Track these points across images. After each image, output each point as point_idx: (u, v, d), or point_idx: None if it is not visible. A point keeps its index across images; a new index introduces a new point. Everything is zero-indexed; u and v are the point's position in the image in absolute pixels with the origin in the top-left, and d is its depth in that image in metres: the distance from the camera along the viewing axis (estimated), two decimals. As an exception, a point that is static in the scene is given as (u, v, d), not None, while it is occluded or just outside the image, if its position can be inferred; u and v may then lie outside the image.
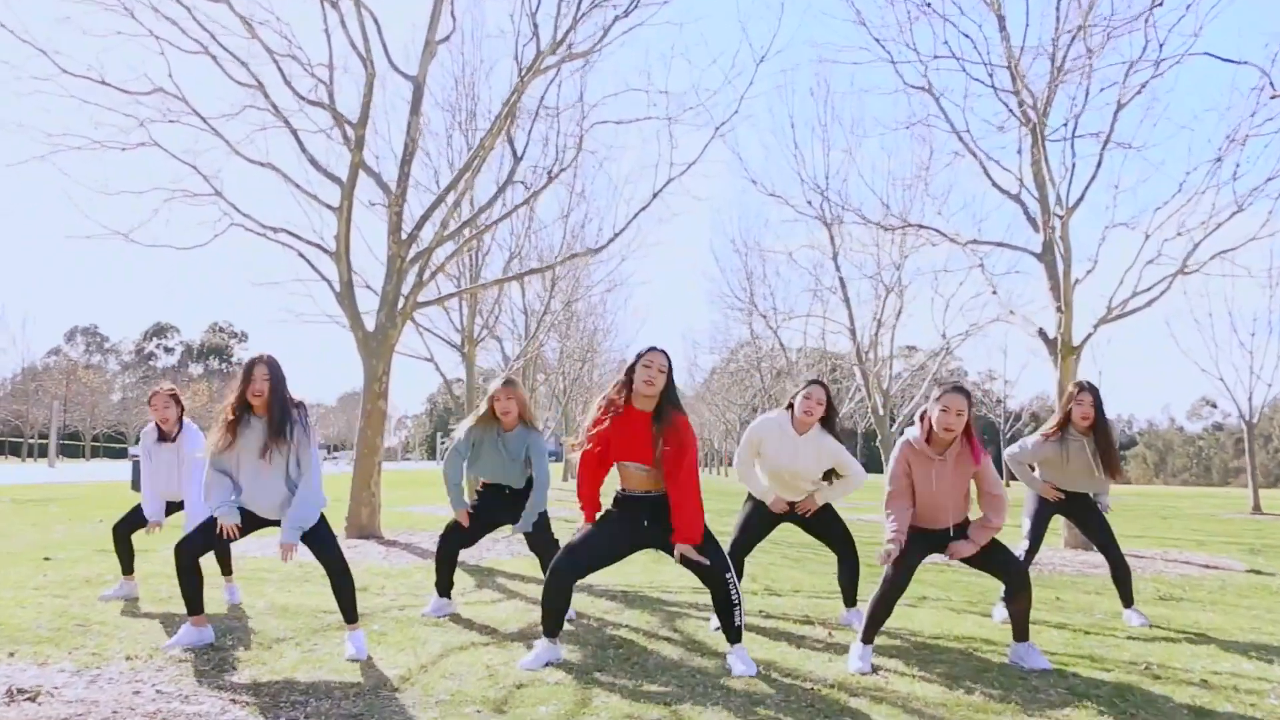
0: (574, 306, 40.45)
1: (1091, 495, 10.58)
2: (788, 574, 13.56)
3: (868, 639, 7.83)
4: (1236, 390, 39.53)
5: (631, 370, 7.47)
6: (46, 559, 13.41)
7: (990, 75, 18.71)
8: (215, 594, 10.21)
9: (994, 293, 20.29)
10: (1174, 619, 10.39)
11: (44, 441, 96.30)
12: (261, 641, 8.14)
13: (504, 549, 15.88)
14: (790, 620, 9.82)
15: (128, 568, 10.46)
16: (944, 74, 19.91)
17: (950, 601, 11.30)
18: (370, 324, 17.70)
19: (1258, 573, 15.28)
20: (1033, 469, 10.64)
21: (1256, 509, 38.88)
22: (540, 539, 9.78)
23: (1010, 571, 7.82)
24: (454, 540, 9.86)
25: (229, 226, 17.98)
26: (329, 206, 17.94)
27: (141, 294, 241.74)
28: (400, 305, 17.67)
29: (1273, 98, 9.12)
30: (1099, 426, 10.25)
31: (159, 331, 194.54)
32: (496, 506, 9.90)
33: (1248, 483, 40.91)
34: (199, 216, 18.11)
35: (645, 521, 7.56)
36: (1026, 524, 10.58)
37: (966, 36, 18.72)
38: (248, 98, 17.72)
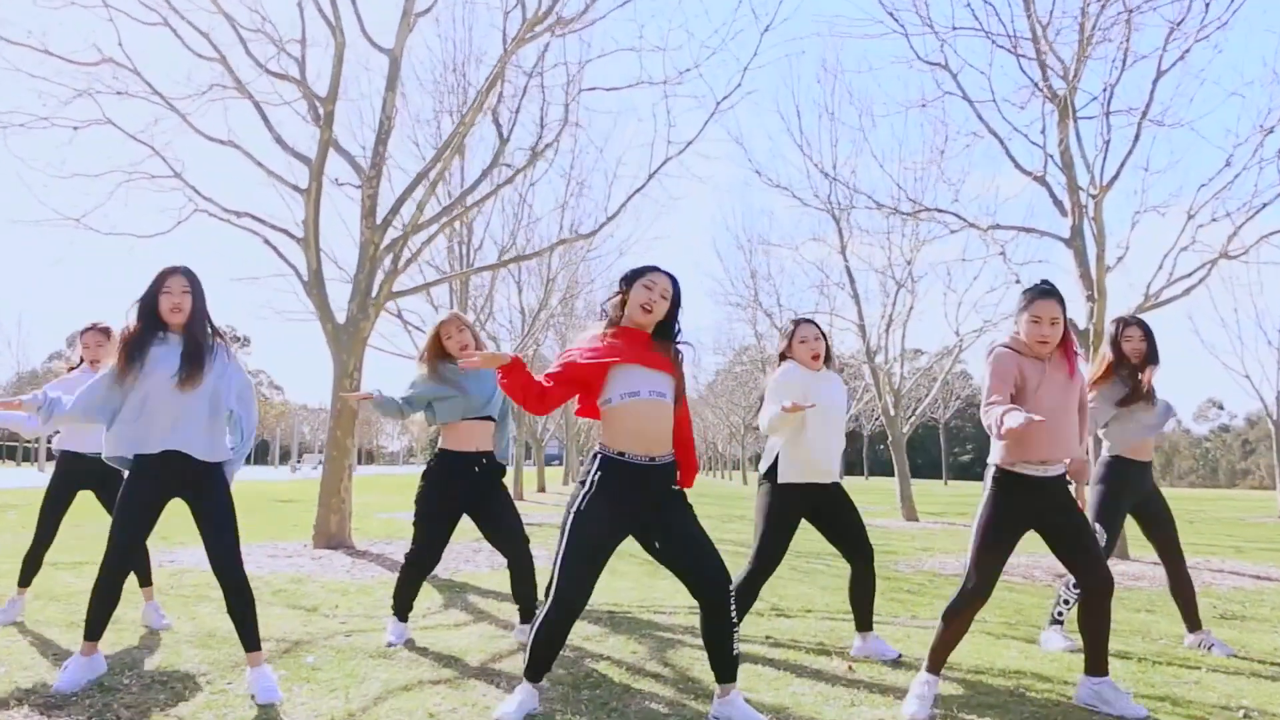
0: (573, 304, 39.51)
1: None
2: (796, 590, 12.26)
3: (935, 668, 6.46)
4: (1263, 387, 38.63)
5: (626, 290, 6.14)
6: (-33, 573, 12.13)
7: (1015, 46, 17.54)
8: (132, 614, 8.94)
9: (1018, 282, 19.13)
10: (1250, 644, 9.01)
11: (38, 446, 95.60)
12: (162, 678, 6.73)
13: (484, 560, 14.72)
14: (802, 649, 8.38)
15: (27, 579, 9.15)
16: (961, 49, 18.78)
17: (986, 624, 9.91)
18: (343, 317, 16.42)
19: (1315, 584, 14.06)
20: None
21: (1286, 511, 38.29)
22: (514, 520, 8.57)
23: (1097, 569, 6.30)
24: (425, 559, 8.50)
25: (193, 213, 17.00)
26: (296, 189, 16.77)
27: (124, 288, 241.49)
28: (374, 295, 16.45)
29: None
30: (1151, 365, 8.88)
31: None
32: (467, 485, 8.51)
33: (1275, 485, 40.23)
34: (162, 203, 17.10)
35: (640, 498, 5.96)
36: (1099, 526, 8.98)
37: (988, 3, 17.52)
38: (213, 75, 16.76)
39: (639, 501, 5.90)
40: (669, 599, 11.13)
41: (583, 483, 5.93)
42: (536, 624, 5.84)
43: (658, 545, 5.93)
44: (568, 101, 18.76)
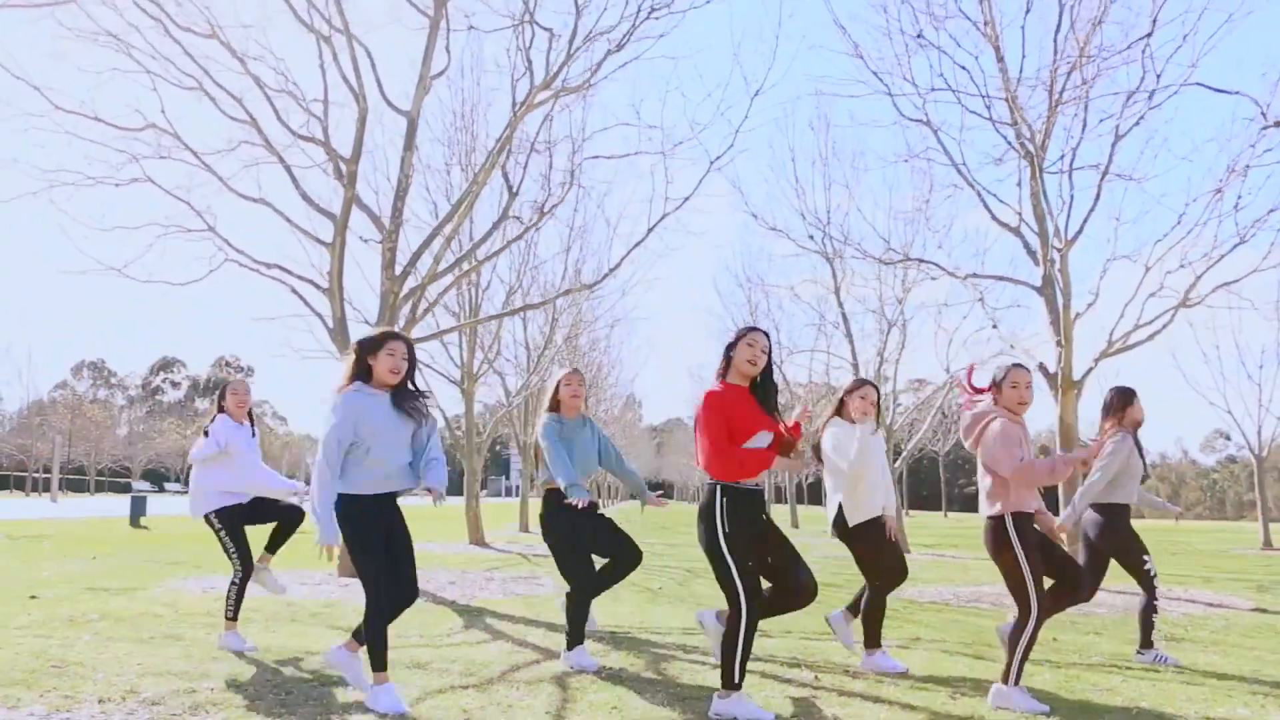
0: (577, 341, 40.37)
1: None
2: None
3: (1019, 678, 7.74)
4: (1245, 423, 39.40)
5: (732, 348, 7.43)
6: (33, 597, 13.29)
7: (988, 107, 18.67)
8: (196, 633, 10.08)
9: (994, 326, 20.24)
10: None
11: (49, 476, 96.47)
12: (239, 684, 7.99)
13: (497, 588, 15.82)
14: (777, 662, 9.68)
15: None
16: (942, 106, 19.87)
17: (944, 643, 11.17)
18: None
19: (1263, 611, 15.18)
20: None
21: (1267, 544, 38.82)
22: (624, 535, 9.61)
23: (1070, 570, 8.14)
24: (589, 585, 9.46)
25: (223, 262, 17.96)
26: (322, 243, 17.92)
27: (148, 328, 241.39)
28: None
29: (1264, 129, 9.05)
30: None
31: (165, 365, 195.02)
32: (595, 527, 9.57)
33: (1259, 517, 40.79)
34: (194, 252, 18.21)
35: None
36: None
37: (963, 68, 18.68)
38: (242, 133, 17.75)
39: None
40: (664, 621, 12.32)
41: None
42: (739, 636, 7.07)
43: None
44: (572, 168, 19.89)
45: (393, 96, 18.36)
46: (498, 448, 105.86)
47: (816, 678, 8.87)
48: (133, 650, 9.45)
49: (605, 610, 12.64)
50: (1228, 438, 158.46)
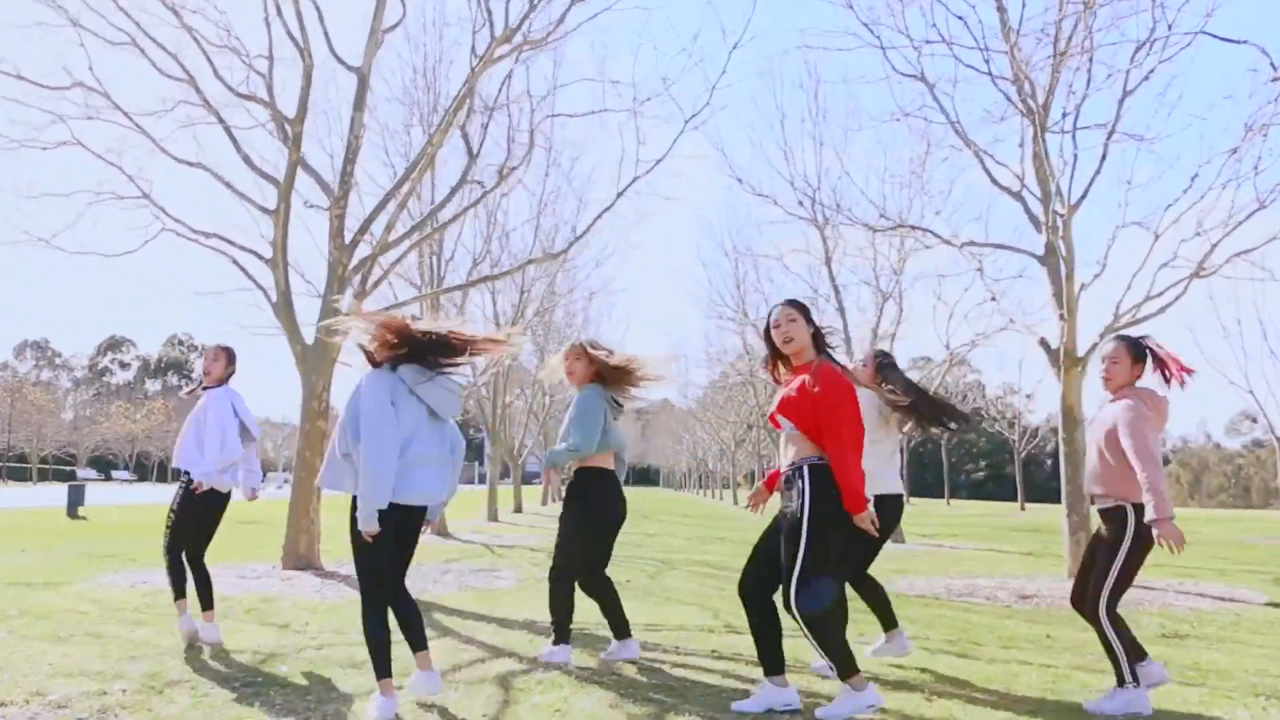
0: (551, 315, 40.29)
1: None
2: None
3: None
4: (1268, 404, 39.16)
5: (768, 337, 7.68)
6: (-53, 595, 13.20)
7: (986, 61, 18.66)
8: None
9: (993, 299, 20.16)
10: (1174, 659, 10.13)
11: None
12: (155, 685, 7.94)
13: (452, 581, 15.75)
14: (743, 661, 9.63)
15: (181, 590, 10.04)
16: (939, 60, 19.68)
17: (927, 640, 11.09)
18: (311, 337, 17.51)
19: (1277, 605, 15.01)
20: None
21: (1291, 533, 38.44)
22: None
23: None
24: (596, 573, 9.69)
25: (160, 232, 17.87)
26: (265, 210, 17.81)
27: (95, 305, 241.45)
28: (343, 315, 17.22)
29: (1274, 79, 8.99)
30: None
31: (114, 345, 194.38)
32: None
33: (1281, 505, 40.40)
34: (130, 221, 18.04)
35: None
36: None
37: (959, 18, 18.63)
38: (179, 93, 17.64)
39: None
40: (630, 618, 12.22)
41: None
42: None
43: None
44: (533, 127, 19.75)
45: (344, 53, 18.21)
46: (470, 431, 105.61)
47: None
48: (47, 649, 9.40)
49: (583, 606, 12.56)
50: (1254, 420, 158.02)
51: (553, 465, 9.69)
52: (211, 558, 10.36)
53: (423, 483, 7.36)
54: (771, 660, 7.47)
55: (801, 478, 7.23)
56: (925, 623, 12.38)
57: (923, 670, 9.29)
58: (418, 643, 7.55)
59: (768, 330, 7.60)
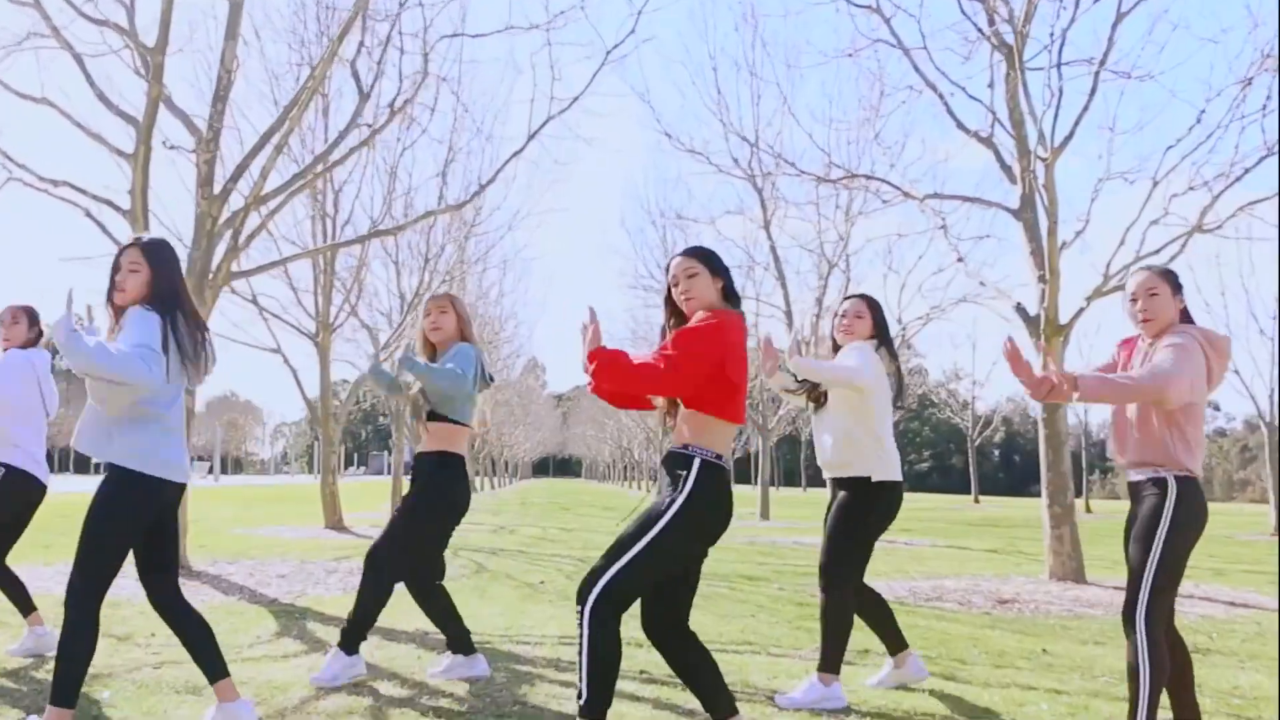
0: (462, 287, 39.41)
1: None
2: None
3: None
4: (1255, 385, 38.51)
5: (668, 298, 6.45)
6: None
7: (951, -13, 17.60)
8: None
9: (959, 260, 19.23)
10: (1208, 681, 9.03)
11: None
12: None
13: (337, 583, 14.71)
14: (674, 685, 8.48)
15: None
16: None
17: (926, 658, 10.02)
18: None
19: (1294, 611, 14.28)
20: None
21: (1281, 530, 37.76)
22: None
23: None
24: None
25: (6, 181, 16.67)
26: (120, 153, 16.50)
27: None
28: (210, 276, 16.23)
29: None
30: None
31: None
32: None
33: (1269, 498, 39.61)
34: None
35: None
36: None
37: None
38: (28, 23, 16.52)
39: None
40: (539, 627, 11.16)
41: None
42: None
43: None
44: (425, 51, 18.63)
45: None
46: (382, 419, 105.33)
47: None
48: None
49: (466, 611, 11.42)
50: (1216, 408, 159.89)
51: (415, 374, 8.19)
52: (54, 556, 9.33)
53: None
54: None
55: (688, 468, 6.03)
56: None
57: (905, 690, 8.29)
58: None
59: (669, 292, 6.42)
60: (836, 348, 8.74)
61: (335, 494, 27.89)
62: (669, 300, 6.36)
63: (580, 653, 5.70)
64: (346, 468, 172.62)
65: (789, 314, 30.38)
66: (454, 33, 19.51)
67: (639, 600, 5.93)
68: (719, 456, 5.99)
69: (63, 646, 6.12)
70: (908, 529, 34.46)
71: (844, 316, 8.73)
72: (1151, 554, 6.23)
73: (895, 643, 8.48)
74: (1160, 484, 6.32)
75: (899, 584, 16.38)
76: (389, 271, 33.92)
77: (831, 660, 7.78)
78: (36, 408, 9.17)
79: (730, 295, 6.31)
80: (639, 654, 9.35)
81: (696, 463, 5.91)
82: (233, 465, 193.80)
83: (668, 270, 6.36)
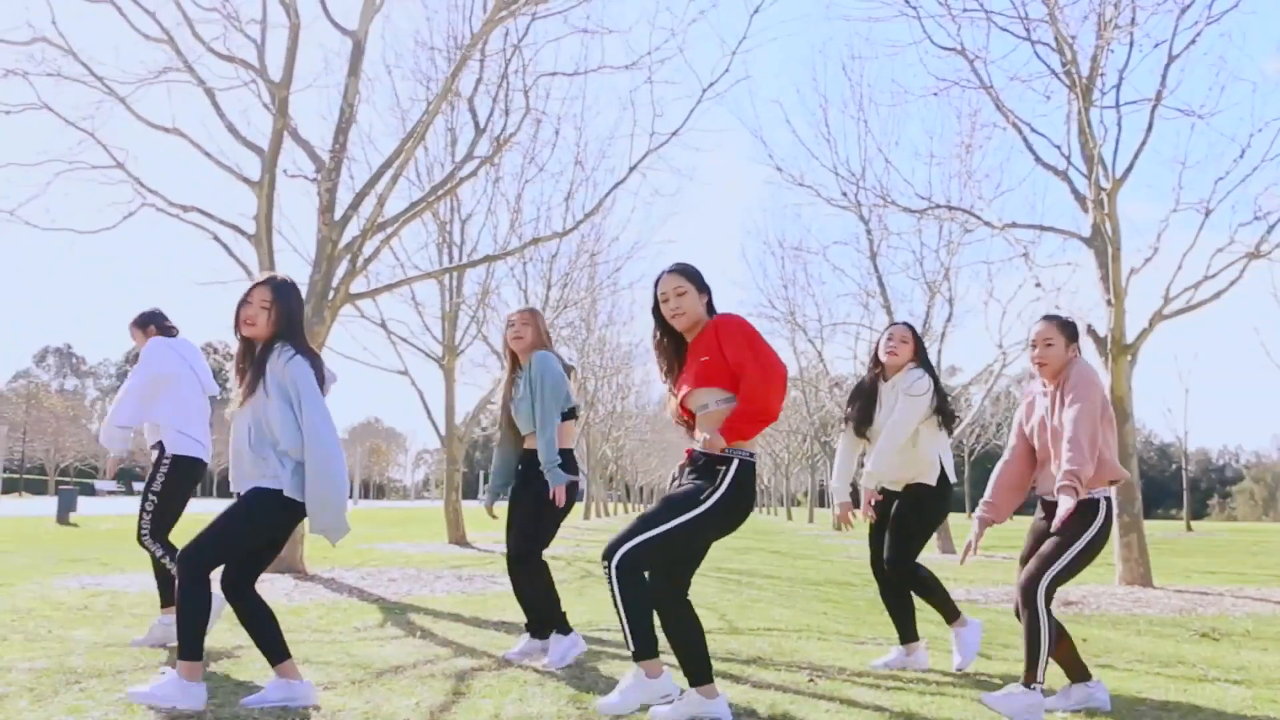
0: (592, 310, 39.94)
1: None
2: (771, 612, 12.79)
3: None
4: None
5: (657, 313, 7.04)
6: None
7: (1028, 30, 18.11)
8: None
9: (1038, 284, 19.54)
10: (1221, 659, 9.66)
11: (4, 475, 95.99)
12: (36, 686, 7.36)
13: (442, 586, 15.32)
14: (737, 661, 9.03)
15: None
16: (980, 31, 19.12)
17: (945, 640, 10.46)
18: (299, 320, 16.83)
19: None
20: None
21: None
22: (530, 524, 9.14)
23: None
24: (517, 563, 9.21)
25: (140, 206, 17.40)
26: (247, 181, 17.21)
27: (126, 309, 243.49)
28: (330, 297, 16.86)
29: None
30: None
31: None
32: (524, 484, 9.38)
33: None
34: (108, 196, 17.51)
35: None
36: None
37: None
38: (162, 58, 17.22)
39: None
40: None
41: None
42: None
43: None
44: (525, 88, 19.19)
45: (345, 15, 17.78)
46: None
47: (813, 678, 8.17)
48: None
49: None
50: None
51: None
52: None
53: None
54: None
55: (727, 465, 6.57)
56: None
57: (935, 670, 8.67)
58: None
59: (656, 306, 6.96)
60: (877, 363, 9.34)
61: (458, 510, 28.47)
62: (658, 312, 6.92)
63: (617, 608, 6.31)
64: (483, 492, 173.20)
65: (894, 339, 30.65)
66: (555, 71, 20.07)
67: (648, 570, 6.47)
68: (751, 455, 6.59)
69: (182, 605, 6.55)
70: (995, 547, 34.49)
71: (890, 339, 9.21)
72: (1067, 553, 7.08)
73: (907, 631, 9.07)
74: (1092, 504, 7.14)
75: (977, 590, 16.77)
76: (518, 297, 34.53)
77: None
78: (193, 387, 9.74)
79: (711, 308, 6.89)
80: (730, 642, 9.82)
81: (735, 463, 6.49)
82: (375, 491, 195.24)
83: (656, 286, 6.88)
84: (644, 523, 6.40)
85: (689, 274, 6.84)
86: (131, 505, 63.07)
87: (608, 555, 6.33)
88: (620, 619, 6.34)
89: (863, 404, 9.30)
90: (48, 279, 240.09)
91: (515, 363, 9.36)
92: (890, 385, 9.13)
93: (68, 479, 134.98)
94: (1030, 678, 6.90)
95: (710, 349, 6.63)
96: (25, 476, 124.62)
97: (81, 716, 6.30)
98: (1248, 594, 16.39)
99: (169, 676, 6.64)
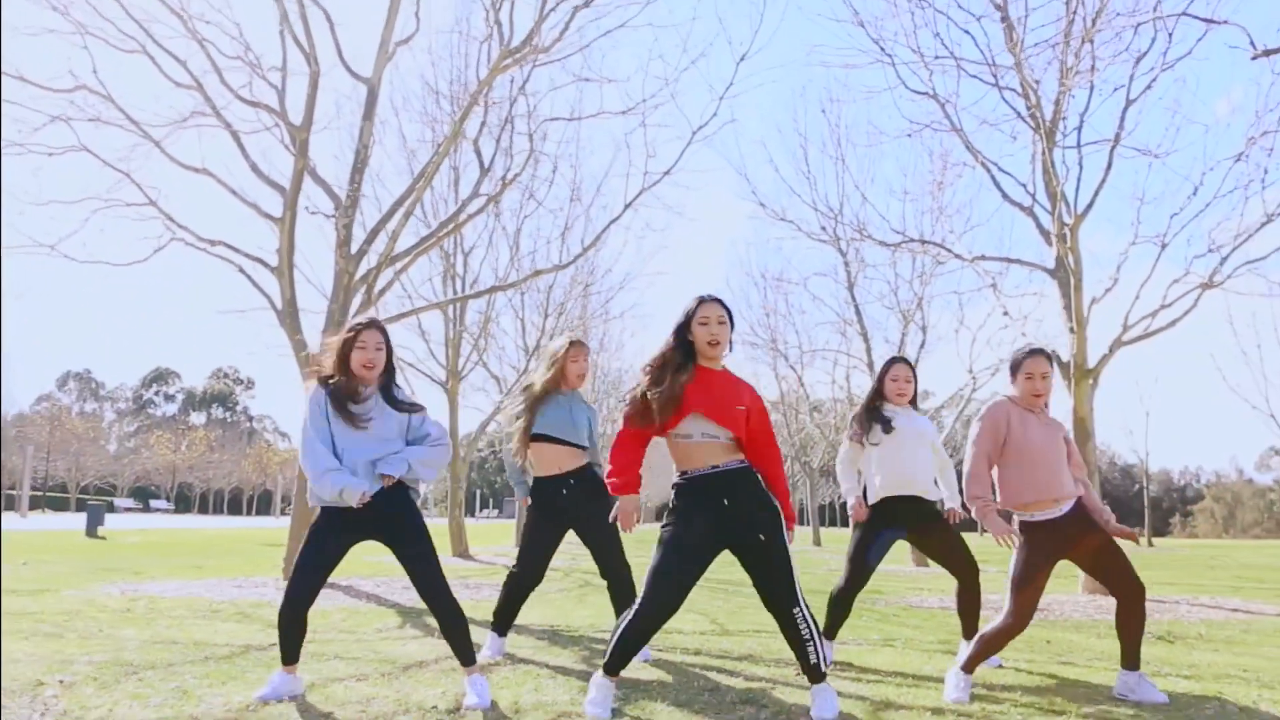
0: (585, 339, 40.17)
1: None
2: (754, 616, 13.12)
3: (970, 668, 7.72)
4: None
5: (684, 330, 7.00)
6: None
7: (995, 76, 18.54)
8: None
9: (1005, 314, 19.91)
10: (1174, 659, 10.04)
11: (31, 493, 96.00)
12: (100, 676, 7.66)
13: (464, 595, 15.56)
14: (731, 657, 9.39)
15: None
16: (950, 79, 19.56)
17: (924, 642, 10.83)
18: (316, 345, 17.20)
19: (1292, 614, 14.83)
20: None
21: (1314, 557, 38.39)
22: (610, 555, 9.27)
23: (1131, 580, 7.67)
24: (526, 580, 9.39)
25: (170, 241, 17.69)
26: (270, 217, 17.56)
27: (141, 337, 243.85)
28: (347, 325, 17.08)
29: (1254, 57, 8.89)
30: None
31: (159, 378, 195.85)
32: (552, 500, 9.29)
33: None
34: (139, 231, 17.78)
35: (726, 500, 6.95)
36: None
37: (966, 32, 18.72)
38: (190, 103, 17.53)
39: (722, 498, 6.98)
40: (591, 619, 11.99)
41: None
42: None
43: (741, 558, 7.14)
44: (530, 131, 19.58)
45: (360, 63, 18.15)
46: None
47: (798, 673, 8.52)
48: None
49: (564, 611, 12.30)
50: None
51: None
52: (217, 571, 10.12)
53: None
54: None
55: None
56: (930, 629, 12.15)
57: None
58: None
59: (685, 325, 6.98)
60: (879, 395, 9.66)
61: (461, 525, 28.77)
62: (682, 330, 6.95)
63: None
64: (481, 509, 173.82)
65: (870, 365, 31.08)
66: (556, 117, 20.45)
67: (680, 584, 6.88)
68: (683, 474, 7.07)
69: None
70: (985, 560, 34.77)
71: (896, 381, 9.57)
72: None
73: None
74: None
75: (951, 599, 16.91)
76: (516, 326, 34.89)
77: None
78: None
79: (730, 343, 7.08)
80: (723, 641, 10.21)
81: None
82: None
83: (695, 310, 6.92)
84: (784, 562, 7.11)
85: (728, 309, 6.98)
86: (148, 521, 63.12)
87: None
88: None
89: (866, 421, 9.54)
90: (68, 307, 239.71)
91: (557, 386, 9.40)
92: (897, 413, 9.48)
93: (87, 496, 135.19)
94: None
95: (745, 401, 6.94)
96: (48, 494, 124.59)
97: (144, 702, 6.63)
98: (1202, 602, 16.65)
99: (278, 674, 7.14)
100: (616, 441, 7.00)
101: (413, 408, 7.33)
